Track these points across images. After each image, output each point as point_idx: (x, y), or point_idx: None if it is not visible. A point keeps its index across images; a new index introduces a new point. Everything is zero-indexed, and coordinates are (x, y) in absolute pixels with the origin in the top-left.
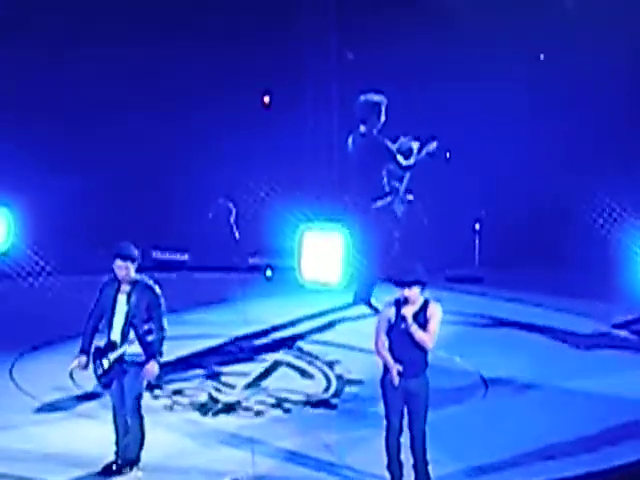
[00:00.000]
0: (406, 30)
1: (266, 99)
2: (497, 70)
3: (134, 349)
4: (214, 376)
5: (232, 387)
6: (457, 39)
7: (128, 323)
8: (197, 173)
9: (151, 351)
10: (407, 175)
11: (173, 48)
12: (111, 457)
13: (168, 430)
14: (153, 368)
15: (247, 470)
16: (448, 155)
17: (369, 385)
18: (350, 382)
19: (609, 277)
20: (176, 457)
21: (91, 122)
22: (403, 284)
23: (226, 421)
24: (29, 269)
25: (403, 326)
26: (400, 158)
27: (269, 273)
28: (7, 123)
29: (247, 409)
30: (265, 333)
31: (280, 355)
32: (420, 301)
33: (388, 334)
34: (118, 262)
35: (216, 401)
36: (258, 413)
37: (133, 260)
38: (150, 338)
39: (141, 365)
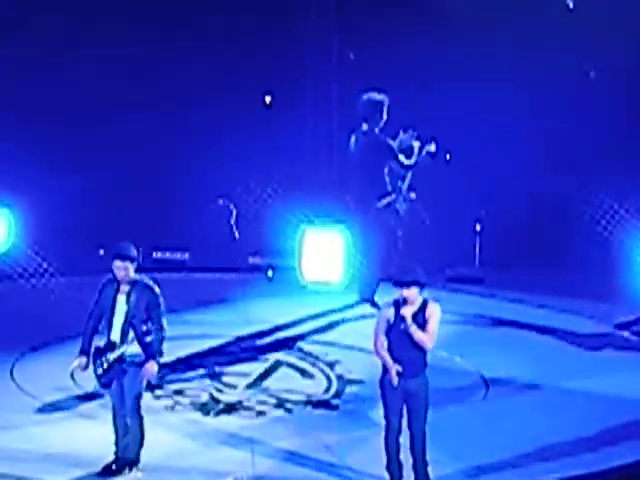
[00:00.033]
0: (406, 30)
1: (267, 99)
2: (497, 70)
3: (134, 349)
4: (215, 376)
5: (233, 387)
6: (457, 39)
7: (127, 323)
8: (197, 173)
9: (150, 351)
10: (409, 174)
11: (173, 48)
12: (111, 457)
13: (168, 430)
14: (152, 368)
15: (247, 470)
16: (448, 157)
17: (370, 385)
18: (351, 382)
19: (610, 278)
20: (176, 457)
21: (91, 122)
22: (402, 284)
23: (226, 421)
24: (30, 269)
25: (402, 326)
26: (402, 157)
27: (270, 273)
28: (7, 123)
29: (248, 409)
30: (266, 333)
31: (281, 355)
32: (419, 301)
33: (387, 334)
34: (117, 262)
35: (217, 401)
36: (259, 413)
37: (132, 260)
38: (149, 338)
39: (141, 365)
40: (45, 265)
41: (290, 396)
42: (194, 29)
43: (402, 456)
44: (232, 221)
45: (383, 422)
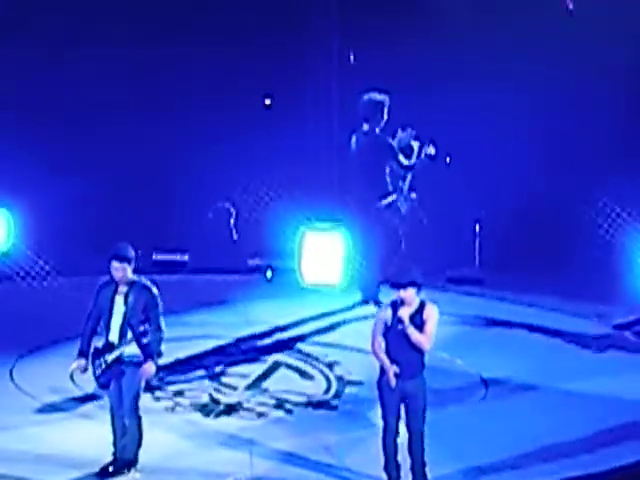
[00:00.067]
0: (407, 31)
1: (267, 101)
2: (497, 71)
3: (132, 350)
4: (215, 377)
5: (233, 388)
6: (457, 40)
7: (126, 324)
8: (198, 174)
9: (149, 351)
10: (409, 174)
11: (173, 48)
12: (109, 458)
13: (167, 431)
14: (150, 368)
15: (245, 471)
16: (448, 160)
17: (369, 386)
18: (350, 383)
19: (610, 279)
20: (174, 458)
21: (91, 123)
22: (399, 285)
23: (225, 422)
24: (29, 270)
25: (400, 328)
26: (401, 157)
27: (269, 274)
28: (7, 124)
29: (248, 410)
30: (266, 334)
31: (280, 356)
32: (416, 302)
33: (385, 336)
34: (115, 264)
35: (217, 402)
36: (260, 414)
37: (130, 261)
38: (148, 339)
39: (139, 365)
40: (44, 266)
41: (290, 397)
42: (194, 29)
43: (400, 457)
44: (232, 223)
45: (381, 423)
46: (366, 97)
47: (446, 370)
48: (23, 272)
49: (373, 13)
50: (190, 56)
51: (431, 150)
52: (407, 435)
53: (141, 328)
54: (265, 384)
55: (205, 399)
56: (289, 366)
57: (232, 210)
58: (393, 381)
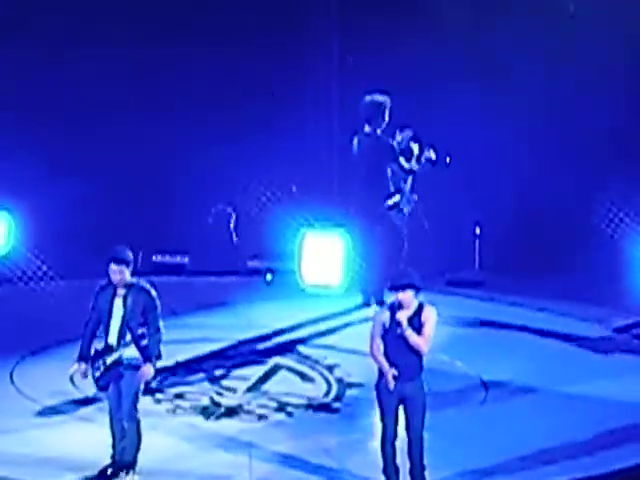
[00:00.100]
0: (407, 33)
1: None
2: (497, 71)
3: (131, 352)
4: (215, 380)
5: (233, 391)
6: (458, 40)
7: (124, 326)
8: (197, 176)
9: (147, 354)
10: (410, 177)
11: (173, 49)
12: (108, 461)
13: (166, 434)
14: (149, 370)
15: (244, 474)
16: (448, 160)
17: (369, 389)
18: (350, 385)
19: (610, 281)
20: (173, 461)
21: (91, 123)
22: (397, 288)
23: (225, 425)
24: (30, 273)
25: (398, 331)
26: (402, 160)
27: (269, 277)
28: (7, 124)
29: (249, 413)
30: (266, 337)
31: (280, 359)
32: (414, 305)
33: (383, 338)
34: (113, 266)
35: (218, 405)
36: (261, 417)
37: (128, 264)
38: (146, 341)
39: (138, 368)
40: (45, 268)
41: (290, 400)
42: (194, 29)
43: (399, 460)
44: (231, 225)
45: (379, 426)
46: (368, 98)
47: (446, 373)
48: (23, 275)
49: (373, 13)
50: (190, 56)
51: (431, 155)
52: (407, 439)
53: (140, 330)
54: (265, 387)
55: (205, 402)
56: (289, 369)
57: (232, 213)
58: (392, 384)
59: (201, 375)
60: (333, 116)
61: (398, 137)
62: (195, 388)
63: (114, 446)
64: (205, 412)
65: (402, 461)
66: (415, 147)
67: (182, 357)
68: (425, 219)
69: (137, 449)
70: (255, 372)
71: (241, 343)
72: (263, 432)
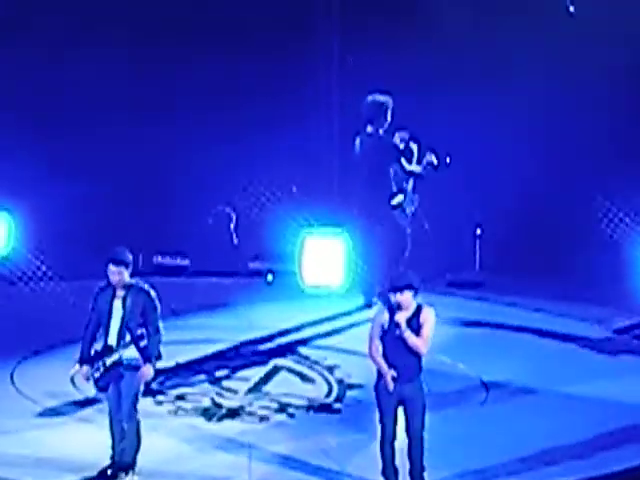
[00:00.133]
0: (407, 32)
1: None
2: (497, 71)
3: (131, 353)
4: (216, 381)
5: (234, 392)
6: (458, 41)
7: (124, 327)
8: (198, 177)
9: (147, 354)
10: (412, 177)
11: (173, 48)
12: (107, 462)
13: (167, 435)
14: (148, 371)
15: (244, 476)
16: (448, 160)
17: (369, 389)
18: (351, 387)
19: (610, 282)
20: (173, 462)
21: (91, 123)
22: (395, 289)
23: (226, 426)
24: (30, 273)
25: (397, 332)
26: (404, 161)
27: (270, 278)
28: (7, 125)
29: (251, 414)
30: (267, 338)
31: (280, 360)
32: (413, 306)
33: (382, 340)
34: (111, 267)
35: (219, 406)
36: (262, 418)
37: (127, 265)
38: (146, 341)
39: (138, 369)
40: (45, 269)
41: (292, 401)
42: (195, 30)
43: (398, 461)
44: (232, 226)
45: (378, 427)
46: (370, 98)
47: (446, 374)
48: (24, 275)
49: (374, 14)
50: (190, 56)
51: (433, 159)
52: (407, 440)
53: (139, 331)
54: (266, 388)
55: (207, 403)
56: (289, 369)
57: (232, 214)
58: (391, 385)
59: (202, 376)
60: (333, 116)
61: (396, 138)
62: (196, 389)
63: (113, 447)
64: (207, 413)
65: (401, 462)
66: (414, 147)
67: (183, 358)
68: (425, 220)
69: (137, 450)
70: (256, 373)
71: (242, 344)
72: (263, 433)
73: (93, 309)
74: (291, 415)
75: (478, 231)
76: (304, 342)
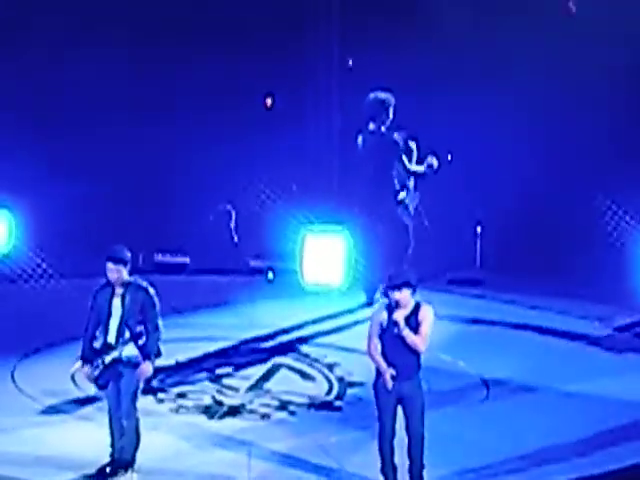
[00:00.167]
0: (407, 32)
1: (268, 101)
2: (497, 71)
3: (130, 350)
4: (217, 379)
5: (235, 390)
6: (458, 41)
7: (123, 324)
8: (198, 175)
9: (146, 352)
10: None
11: (173, 48)
12: (106, 459)
13: (166, 433)
14: (148, 368)
15: (243, 473)
16: (450, 157)
17: (370, 387)
18: (351, 384)
19: (611, 280)
20: (173, 460)
21: (91, 123)
22: (393, 287)
23: (226, 424)
24: (30, 272)
25: (396, 330)
26: (405, 159)
27: (271, 276)
28: (7, 124)
29: (252, 412)
30: (268, 336)
31: (281, 357)
32: (411, 304)
33: (380, 338)
34: (110, 265)
35: (220, 404)
36: (264, 416)
37: (125, 263)
38: (145, 339)
39: (137, 366)
40: (46, 267)
41: (293, 398)
42: (195, 30)
43: (397, 459)
44: (232, 225)
45: (377, 425)
46: (371, 96)
47: (447, 371)
48: (24, 274)
49: (374, 14)
50: (190, 56)
51: (433, 162)
52: (407, 438)
53: (138, 328)
54: (267, 385)
55: (208, 401)
56: (290, 367)
57: (232, 212)
58: (390, 383)
59: (203, 374)
60: (333, 115)
61: (396, 136)
62: (197, 387)
63: (113, 445)
64: (209, 411)
65: (400, 460)
66: (413, 145)
67: (184, 356)
68: (426, 218)
69: (136, 448)
70: (257, 371)
71: (243, 342)
72: (263, 431)
73: (92, 308)
74: (292, 413)
75: (478, 229)
76: (305, 340)
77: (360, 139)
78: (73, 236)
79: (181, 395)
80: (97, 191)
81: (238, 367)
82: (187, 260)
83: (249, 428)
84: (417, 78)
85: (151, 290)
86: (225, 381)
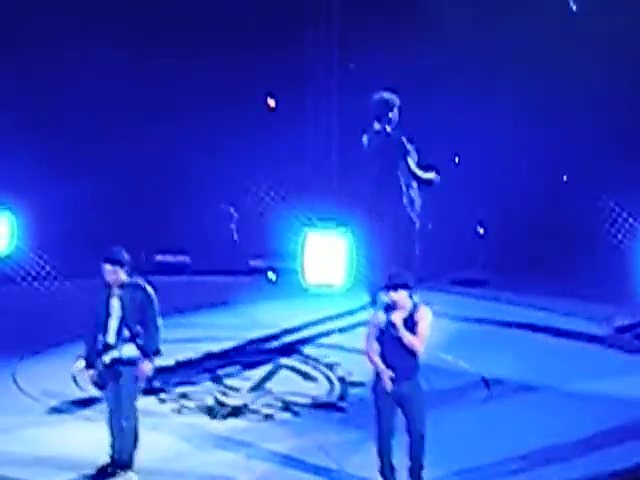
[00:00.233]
0: (407, 33)
1: (271, 102)
2: (497, 71)
3: (130, 351)
4: (218, 379)
5: (236, 390)
6: (458, 41)
7: (122, 324)
8: (199, 175)
9: (146, 351)
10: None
11: (175, 50)
12: (106, 459)
13: (167, 433)
14: (147, 367)
15: (243, 474)
16: (457, 160)
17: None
18: (352, 385)
19: (614, 280)
20: (173, 460)
21: (91, 123)
22: (390, 288)
23: (228, 424)
24: (32, 272)
25: (393, 332)
26: (410, 160)
27: (272, 276)
28: (8, 125)
29: (255, 412)
30: (269, 336)
31: (282, 358)
32: (409, 305)
33: (379, 340)
34: (107, 267)
35: (222, 404)
36: (267, 417)
37: (122, 264)
38: (144, 338)
39: (137, 366)
40: (48, 268)
41: (295, 399)
42: (195, 30)
43: (395, 460)
44: (233, 225)
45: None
46: (376, 96)
47: (448, 371)
48: (26, 274)
49: (374, 14)
50: (190, 56)
51: (433, 176)
52: (408, 438)
53: (137, 328)
54: (268, 386)
55: (210, 401)
56: (291, 368)
57: (233, 211)
58: (389, 385)
59: (204, 375)
60: (334, 116)
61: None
62: (199, 388)
63: (112, 445)
64: (211, 412)
65: (399, 460)
66: (410, 147)
67: (185, 356)
68: (429, 218)
69: (135, 448)
70: (258, 371)
71: (244, 342)
72: (263, 431)
73: (92, 310)
74: (296, 413)
75: (480, 229)
76: (307, 340)
77: (365, 138)
78: (74, 236)
79: (183, 395)
80: (97, 191)
81: (239, 367)
82: (188, 260)
83: (250, 429)
84: (417, 78)
85: (149, 289)
86: (227, 381)
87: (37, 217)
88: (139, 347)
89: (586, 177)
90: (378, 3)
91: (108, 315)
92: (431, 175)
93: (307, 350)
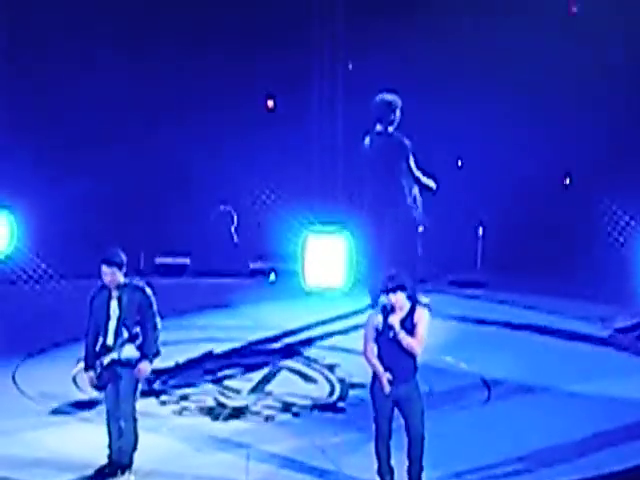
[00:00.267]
0: (409, 33)
1: (270, 103)
2: (497, 73)
3: (129, 352)
4: (219, 381)
5: (236, 392)
6: (459, 41)
7: (121, 326)
8: (199, 177)
9: (145, 351)
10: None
11: (175, 51)
12: (104, 461)
13: (166, 435)
14: (146, 367)
15: (241, 476)
16: (460, 163)
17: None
18: (352, 386)
19: (614, 281)
20: (171, 462)
21: (91, 124)
22: (387, 290)
23: (227, 426)
24: (32, 273)
25: (391, 334)
26: (412, 161)
27: (272, 277)
28: (8, 125)
29: (256, 414)
30: (270, 338)
31: (283, 360)
32: (407, 307)
33: (376, 341)
34: (104, 268)
35: (224, 406)
36: (268, 418)
37: (119, 266)
38: (143, 339)
39: (136, 367)
40: (47, 269)
41: (295, 400)
42: (195, 30)
43: (394, 461)
44: (233, 226)
45: (373, 428)
46: (378, 97)
47: (448, 372)
48: (25, 275)
49: (376, 15)
50: (190, 56)
51: (431, 183)
52: (407, 439)
53: (136, 329)
54: (268, 387)
55: (210, 403)
56: (291, 369)
57: (233, 213)
58: (387, 387)
59: (205, 376)
60: (336, 117)
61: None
62: (199, 389)
63: (111, 446)
64: (213, 413)
65: (397, 461)
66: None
67: (186, 358)
68: (427, 219)
69: (134, 449)
70: (259, 373)
71: (245, 344)
72: (262, 433)
73: (91, 313)
74: (296, 414)
75: (480, 230)
76: (309, 342)
77: (367, 140)
78: (73, 237)
79: (184, 397)
80: (97, 191)
81: (240, 369)
82: (187, 262)
83: (250, 430)
84: (417, 78)
85: (148, 290)
86: (227, 383)
87: (37, 217)
88: (138, 348)
89: (586, 177)
90: (379, 4)
91: (107, 317)
92: (430, 182)
93: (310, 352)
